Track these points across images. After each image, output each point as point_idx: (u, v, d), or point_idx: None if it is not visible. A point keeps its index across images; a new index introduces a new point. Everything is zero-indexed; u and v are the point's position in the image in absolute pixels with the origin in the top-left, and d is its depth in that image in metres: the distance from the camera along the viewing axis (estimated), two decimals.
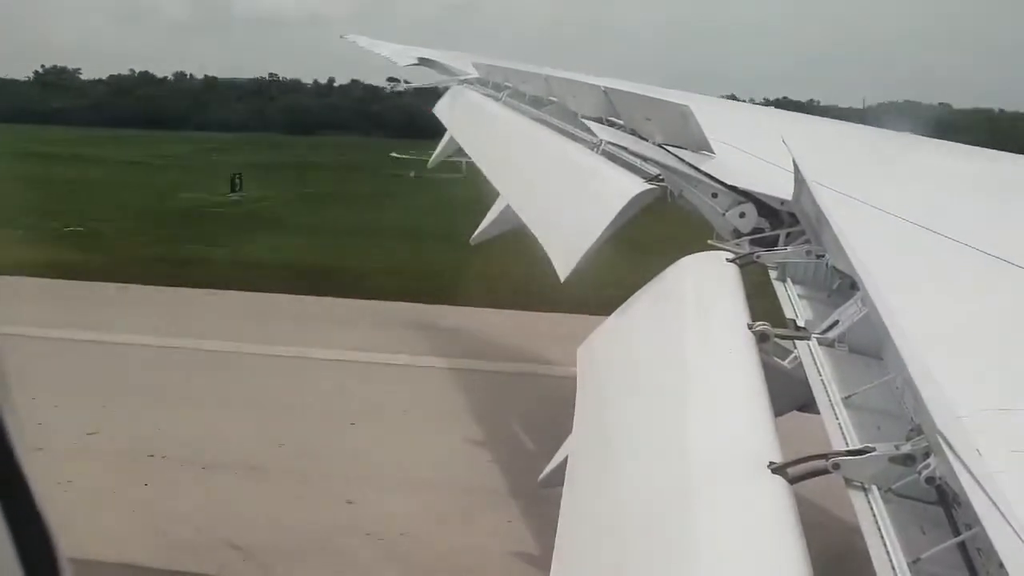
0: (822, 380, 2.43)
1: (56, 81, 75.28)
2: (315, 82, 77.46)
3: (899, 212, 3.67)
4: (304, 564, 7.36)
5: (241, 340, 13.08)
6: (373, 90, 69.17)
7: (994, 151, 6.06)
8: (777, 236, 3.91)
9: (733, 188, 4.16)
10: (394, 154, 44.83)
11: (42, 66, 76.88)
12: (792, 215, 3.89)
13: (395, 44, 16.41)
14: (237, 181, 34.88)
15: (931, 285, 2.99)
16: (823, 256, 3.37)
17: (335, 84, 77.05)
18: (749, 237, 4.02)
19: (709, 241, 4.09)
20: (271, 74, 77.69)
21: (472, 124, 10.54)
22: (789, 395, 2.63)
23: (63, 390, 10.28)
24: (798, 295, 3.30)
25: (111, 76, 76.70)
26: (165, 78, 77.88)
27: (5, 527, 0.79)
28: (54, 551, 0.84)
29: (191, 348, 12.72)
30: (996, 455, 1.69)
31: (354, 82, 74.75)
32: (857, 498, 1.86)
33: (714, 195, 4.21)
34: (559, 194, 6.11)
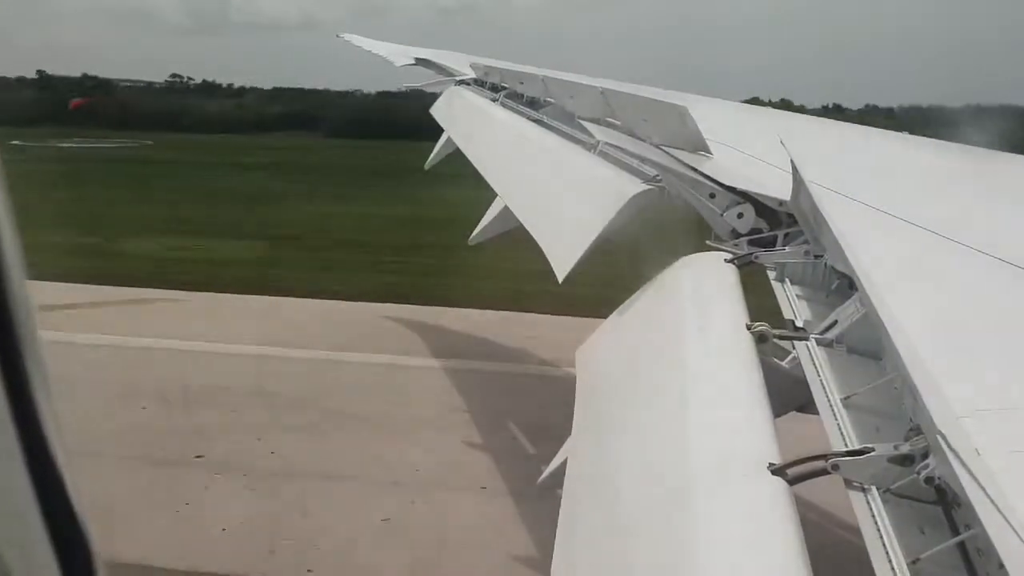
0: (821, 381, 2.43)
1: None
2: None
3: (897, 212, 3.67)
4: None
5: None
6: (107, 84, 74.06)
7: (993, 151, 6.08)
8: (775, 236, 3.91)
9: (731, 189, 4.16)
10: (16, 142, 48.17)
11: None
12: (790, 215, 3.89)
13: (391, 44, 16.40)
14: None
15: (929, 285, 2.99)
16: (821, 256, 3.37)
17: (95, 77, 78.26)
18: (747, 238, 4.02)
19: (707, 242, 4.10)
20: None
21: (469, 125, 10.54)
22: (788, 396, 2.63)
23: None
24: (797, 295, 3.30)
25: None
26: None
27: (43, 528, 0.80)
28: (90, 552, 0.85)
29: None
30: (995, 455, 1.69)
31: (85, 76, 76.48)
32: (856, 498, 1.86)
33: (712, 196, 4.21)
34: (557, 195, 6.11)
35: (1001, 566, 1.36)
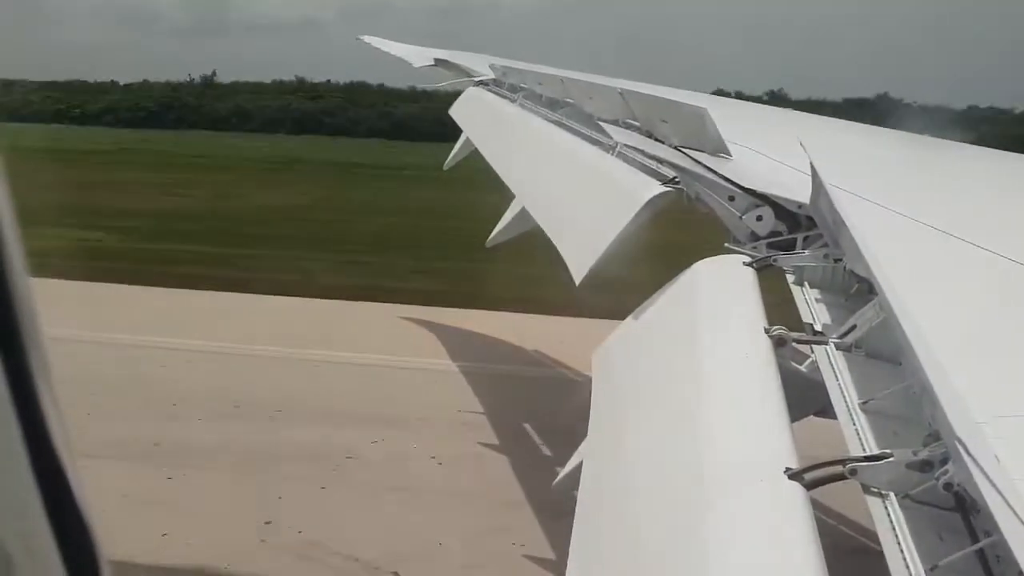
0: (839, 385, 2.42)
1: None
2: None
3: (917, 215, 3.64)
4: None
5: None
6: None
7: (1014, 154, 6.01)
8: (795, 240, 3.89)
9: (750, 191, 4.14)
10: None
11: None
12: (810, 218, 3.87)
13: (409, 45, 16.44)
14: None
15: (949, 289, 2.97)
16: (841, 260, 3.35)
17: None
18: (766, 240, 4.00)
19: (726, 244, 4.08)
20: None
21: (487, 126, 10.55)
22: (806, 400, 2.62)
23: None
24: (815, 299, 3.28)
25: None
26: None
27: (48, 527, 0.81)
28: (95, 552, 0.86)
29: None
30: (1015, 461, 1.68)
31: None
32: (874, 504, 1.85)
33: (731, 198, 4.19)
34: (575, 197, 6.11)
35: (1021, 574, 1.35)
